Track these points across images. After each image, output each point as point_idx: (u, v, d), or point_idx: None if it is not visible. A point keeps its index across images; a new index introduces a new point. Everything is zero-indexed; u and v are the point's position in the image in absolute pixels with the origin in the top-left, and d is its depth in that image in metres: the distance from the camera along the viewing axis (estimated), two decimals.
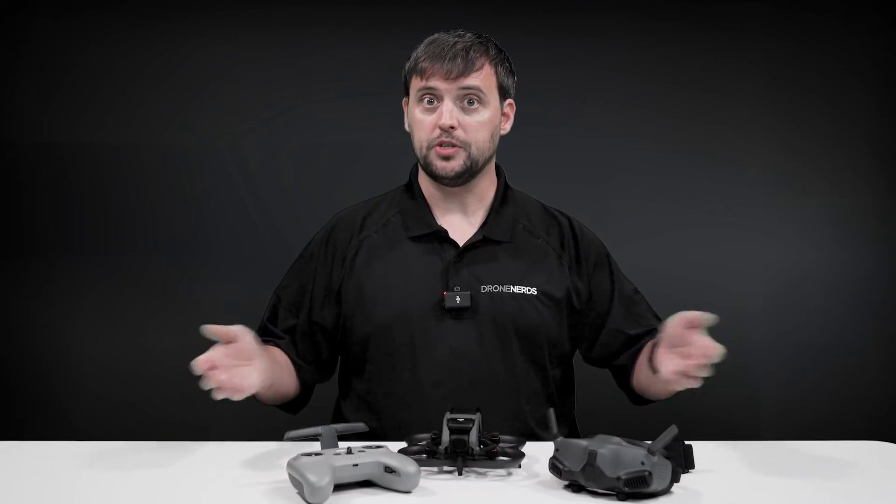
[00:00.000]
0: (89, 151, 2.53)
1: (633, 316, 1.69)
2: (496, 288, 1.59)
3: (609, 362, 1.71)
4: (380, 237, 1.66)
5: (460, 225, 1.65)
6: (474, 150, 1.59)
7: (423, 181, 1.68)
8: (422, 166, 1.63)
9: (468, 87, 1.57)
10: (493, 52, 1.61)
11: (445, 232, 1.63)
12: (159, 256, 2.52)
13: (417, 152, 1.62)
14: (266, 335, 1.66)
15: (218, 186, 2.54)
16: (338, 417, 1.69)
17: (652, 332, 1.64)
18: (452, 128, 1.56)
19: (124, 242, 2.52)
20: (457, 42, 1.58)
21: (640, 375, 1.62)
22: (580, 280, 1.66)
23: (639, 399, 1.69)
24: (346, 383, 1.68)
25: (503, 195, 1.68)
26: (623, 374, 1.69)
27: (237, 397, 1.31)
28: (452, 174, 1.59)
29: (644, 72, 2.56)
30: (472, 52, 1.57)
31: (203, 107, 2.54)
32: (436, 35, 1.62)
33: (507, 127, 1.67)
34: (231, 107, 2.54)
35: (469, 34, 1.61)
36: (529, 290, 1.60)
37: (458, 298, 1.56)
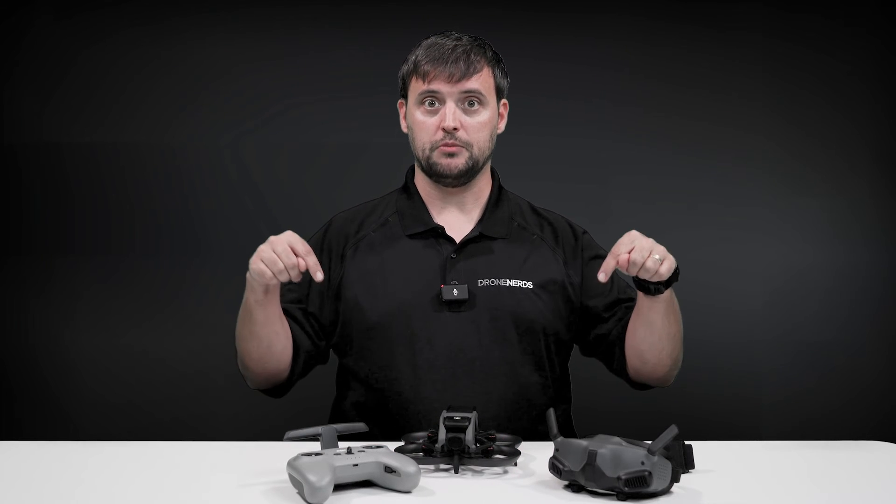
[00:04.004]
0: (89, 151, 2.53)
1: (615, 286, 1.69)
2: (493, 281, 1.61)
3: (600, 335, 1.68)
4: (378, 235, 1.68)
5: (457, 222, 1.67)
6: (476, 150, 1.62)
7: (420, 181, 1.70)
8: (423, 167, 1.65)
9: (469, 91, 1.60)
10: (490, 54, 1.65)
11: (442, 229, 1.65)
12: (159, 256, 2.52)
13: (419, 153, 1.64)
14: None
15: (218, 186, 2.54)
16: (336, 414, 1.69)
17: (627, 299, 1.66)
18: (455, 129, 1.59)
19: (124, 242, 2.52)
20: (456, 45, 1.61)
21: (636, 336, 1.60)
22: (575, 274, 1.67)
23: (637, 384, 1.68)
24: (344, 378, 1.68)
25: (498, 194, 1.71)
26: (612, 352, 1.67)
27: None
28: (456, 171, 1.62)
29: (644, 72, 2.56)
30: (472, 56, 1.60)
31: (203, 107, 2.54)
32: (432, 38, 1.64)
33: (501, 126, 1.70)
34: (231, 107, 2.54)
35: (465, 37, 1.64)
36: (526, 284, 1.62)
37: (455, 291, 1.58)
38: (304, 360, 1.64)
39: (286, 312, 1.60)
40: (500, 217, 1.68)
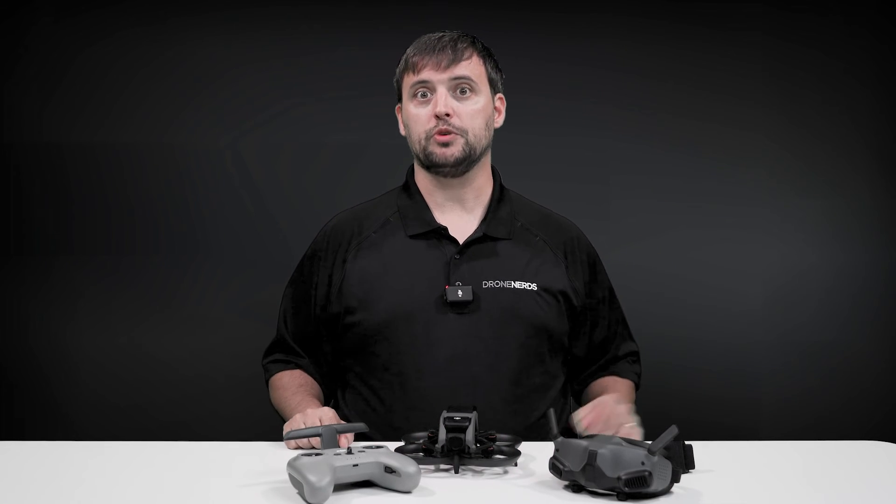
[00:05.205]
0: (89, 151, 2.53)
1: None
2: (497, 283, 1.61)
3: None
4: (379, 236, 1.67)
5: (459, 222, 1.66)
6: (471, 137, 1.61)
7: (421, 180, 1.69)
8: (421, 160, 1.65)
9: (459, 77, 1.60)
10: (479, 46, 1.66)
11: (445, 229, 1.64)
12: (159, 256, 2.52)
13: (416, 146, 1.64)
14: (285, 350, 1.72)
15: (218, 186, 2.54)
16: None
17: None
18: (448, 115, 1.59)
19: (123, 242, 2.52)
20: (443, 36, 1.63)
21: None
22: (577, 280, 1.67)
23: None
24: (345, 379, 1.68)
25: (500, 194, 1.70)
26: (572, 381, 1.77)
27: None
28: (452, 160, 1.61)
29: (644, 72, 2.56)
30: (459, 44, 1.62)
31: (203, 107, 2.54)
32: (422, 36, 1.66)
33: (499, 121, 1.70)
34: (231, 107, 2.54)
35: (455, 32, 1.65)
36: (530, 286, 1.62)
37: (459, 292, 1.57)
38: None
39: (301, 352, 1.70)
40: (503, 217, 1.67)
